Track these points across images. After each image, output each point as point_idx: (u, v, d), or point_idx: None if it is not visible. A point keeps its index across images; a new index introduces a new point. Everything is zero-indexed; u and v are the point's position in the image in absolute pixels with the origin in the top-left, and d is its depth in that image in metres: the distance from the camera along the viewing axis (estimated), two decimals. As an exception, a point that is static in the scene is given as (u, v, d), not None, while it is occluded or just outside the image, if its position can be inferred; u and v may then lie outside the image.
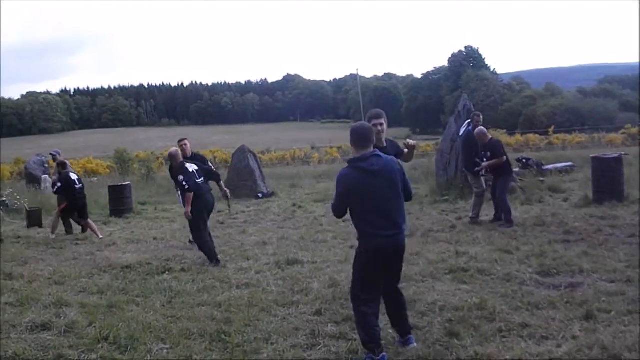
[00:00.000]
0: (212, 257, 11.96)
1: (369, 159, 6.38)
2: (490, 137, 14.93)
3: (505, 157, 14.51)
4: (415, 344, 6.83)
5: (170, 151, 13.26)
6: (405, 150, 8.57)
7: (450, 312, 7.88)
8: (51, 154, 19.57)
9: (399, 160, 7.43)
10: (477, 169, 14.82)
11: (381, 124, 7.98)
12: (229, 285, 10.10)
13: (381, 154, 6.48)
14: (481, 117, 15.64)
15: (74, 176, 17.02)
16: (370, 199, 6.36)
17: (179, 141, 14.34)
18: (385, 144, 8.13)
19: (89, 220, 16.84)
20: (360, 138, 6.52)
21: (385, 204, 6.39)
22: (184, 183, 12.07)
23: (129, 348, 7.12)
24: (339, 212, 6.65)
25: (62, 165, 16.98)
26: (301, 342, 7.19)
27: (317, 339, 7.22)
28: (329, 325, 7.72)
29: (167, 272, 11.26)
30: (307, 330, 7.56)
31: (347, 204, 6.50)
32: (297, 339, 7.31)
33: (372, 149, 6.50)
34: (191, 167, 12.54)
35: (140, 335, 7.49)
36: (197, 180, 12.33)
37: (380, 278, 6.63)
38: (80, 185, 16.99)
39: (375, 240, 6.39)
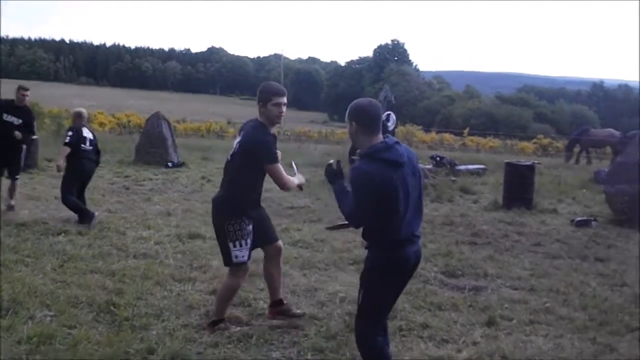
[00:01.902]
0: (86, 216, 11.58)
1: (393, 148, 5.08)
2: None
3: None
4: None
5: (78, 110, 12.89)
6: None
7: (350, 305, 7.62)
8: None
9: None
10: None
11: (285, 104, 6.65)
12: (126, 254, 9.68)
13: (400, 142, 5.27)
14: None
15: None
16: (399, 199, 5.02)
17: (22, 89, 13.23)
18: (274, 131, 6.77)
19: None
20: (373, 119, 5.17)
21: (414, 204, 5.19)
22: (67, 137, 11.90)
23: (9, 312, 6.68)
24: (363, 219, 5.13)
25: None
26: (194, 321, 6.90)
27: (210, 320, 6.89)
28: (225, 306, 7.43)
29: (63, 234, 10.71)
30: (202, 309, 7.27)
31: (371, 207, 5.01)
32: (190, 317, 7.01)
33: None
34: (88, 133, 12.30)
35: (24, 298, 7.06)
36: (83, 146, 12.06)
37: (395, 299, 5.57)
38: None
39: (403, 249, 5.16)
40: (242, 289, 8.06)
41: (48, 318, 6.63)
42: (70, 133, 12.06)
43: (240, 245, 6.60)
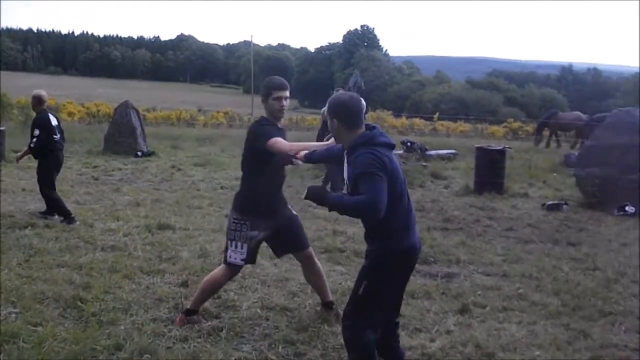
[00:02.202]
0: (65, 213, 11.19)
1: (383, 132, 5.05)
2: None
3: None
4: None
5: (37, 93, 11.75)
6: None
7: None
8: None
9: None
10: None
11: (286, 98, 6.42)
12: (94, 246, 9.49)
13: None
14: (341, 91, 15.70)
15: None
16: (399, 182, 4.93)
17: None
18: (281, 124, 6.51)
19: None
20: (355, 114, 5.03)
21: (406, 190, 5.10)
22: (34, 139, 11.19)
23: (-28, 311, 6.48)
24: (383, 206, 4.67)
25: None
26: (163, 315, 6.74)
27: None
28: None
29: (29, 227, 10.49)
30: (171, 302, 7.11)
31: (386, 193, 4.70)
32: (159, 311, 6.85)
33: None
34: (53, 120, 11.60)
35: (-12, 295, 6.89)
36: (55, 137, 11.44)
37: (401, 291, 5.42)
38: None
39: (411, 236, 5.04)
40: (213, 280, 7.98)
41: (13, 315, 6.46)
42: (37, 133, 11.18)
43: (236, 247, 6.43)
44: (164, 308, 6.95)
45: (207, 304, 6.98)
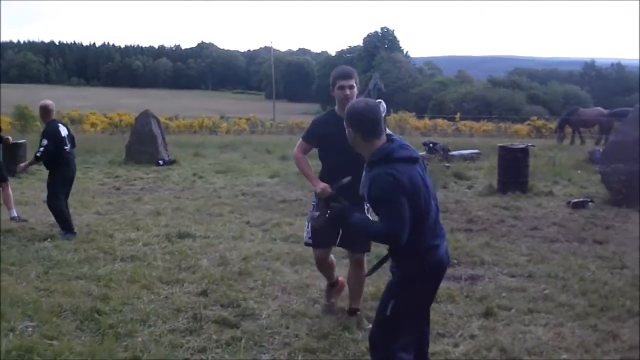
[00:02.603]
0: (67, 227, 10.93)
1: (405, 145, 4.70)
2: None
3: None
4: None
5: (44, 103, 11.64)
6: None
7: (343, 301, 7.39)
8: None
9: None
10: None
11: (350, 87, 6.35)
12: (113, 257, 9.42)
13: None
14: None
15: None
16: (424, 197, 4.59)
17: None
18: None
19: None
20: (371, 123, 4.68)
21: (435, 205, 4.76)
22: (41, 148, 10.98)
23: (-10, 325, 6.38)
24: (405, 228, 4.46)
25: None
26: (181, 326, 6.64)
27: (199, 324, 6.67)
28: (214, 308, 7.21)
29: (49, 239, 10.46)
30: (190, 312, 7.00)
31: (407, 213, 4.48)
32: (177, 322, 6.75)
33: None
34: (63, 130, 11.40)
35: (5, 310, 6.79)
36: (66, 147, 11.22)
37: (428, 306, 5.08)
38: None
39: (437, 253, 4.72)
40: (231, 288, 7.90)
41: (29, 329, 6.38)
42: (44, 142, 11.00)
43: (306, 226, 6.86)
44: (183, 318, 6.85)
45: (225, 313, 6.89)
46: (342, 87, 6.33)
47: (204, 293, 7.69)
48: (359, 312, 6.83)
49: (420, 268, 4.70)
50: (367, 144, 4.68)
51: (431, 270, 4.74)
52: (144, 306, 7.17)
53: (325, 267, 7.05)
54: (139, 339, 6.20)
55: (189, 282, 8.19)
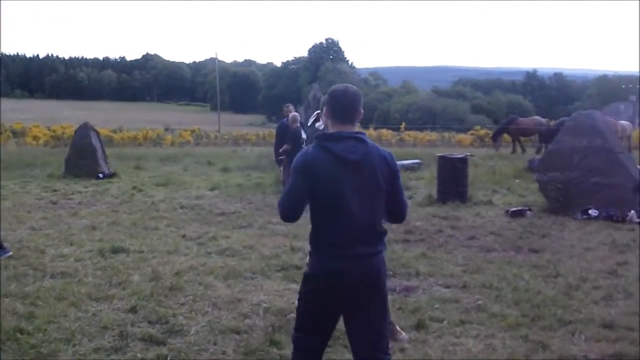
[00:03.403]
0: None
1: (345, 141, 4.44)
2: (297, 124, 16.17)
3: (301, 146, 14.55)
4: None
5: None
6: None
7: (274, 315, 7.33)
8: None
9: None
10: (279, 158, 15.94)
11: None
12: (43, 273, 9.18)
13: (367, 138, 4.56)
14: (290, 107, 17.15)
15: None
16: (336, 198, 4.40)
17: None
18: None
19: None
20: (340, 107, 4.57)
21: (357, 211, 4.43)
22: None
23: None
24: (289, 208, 4.52)
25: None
26: (107, 344, 6.47)
27: (125, 341, 6.51)
28: (142, 325, 7.04)
29: (-23, 258, 10.18)
30: (116, 330, 6.83)
31: (302, 199, 4.47)
32: (103, 340, 6.59)
33: (354, 128, 4.57)
34: None
35: None
36: None
37: (331, 321, 4.67)
38: None
39: (331, 262, 4.44)
40: (161, 304, 7.75)
41: (-52, 352, 6.18)
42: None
43: None
44: (109, 336, 6.68)
45: (153, 330, 6.76)
46: None
47: (132, 309, 7.53)
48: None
49: (312, 268, 4.61)
50: (332, 125, 4.58)
51: (321, 277, 4.48)
52: (69, 324, 6.98)
53: None
54: (62, 359, 6.02)
55: (118, 298, 8.02)
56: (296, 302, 4.83)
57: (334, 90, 4.68)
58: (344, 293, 4.48)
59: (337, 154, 4.41)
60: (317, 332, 4.66)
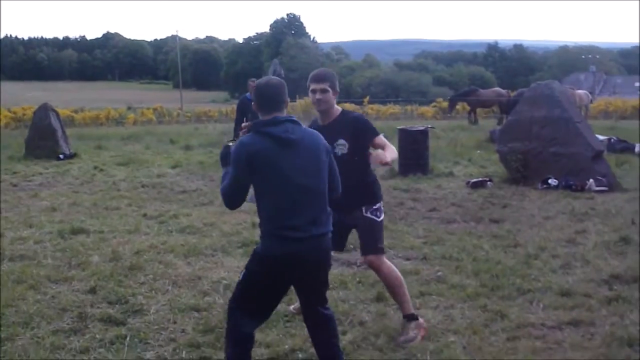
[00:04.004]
0: None
1: (283, 124, 4.60)
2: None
3: None
4: None
5: None
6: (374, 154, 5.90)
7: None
8: None
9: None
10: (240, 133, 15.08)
11: (322, 91, 5.89)
12: (1, 257, 9.06)
13: (299, 122, 4.74)
14: (255, 81, 15.90)
15: None
16: (281, 179, 4.54)
17: None
18: (331, 119, 6.07)
19: None
20: (266, 98, 4.73)
21: (303, 190, 4.58)
22: None
23: None
24: (232, 197, 4.72)
25: None
26: (65, 326, 6.40)
27: (84, 323, 6.44)
28: (101, 305, 6.97)
29: None
30: (75, 312, 6.75)
31: (245, 189, 4.66)
32: (62, 322, 6.51)
33: (284, 112, 4.71)
34: None
35: None
36: None
37: (277, 296, 4.86)
38: None
39: (282, 244, 4.55)
40: (120, 284, 7.72)
41: None
42: None
43: None
44: (68, 318, 6.62)
45: (112, 311, 6.72)
46: (313, 91, 5.93)
47: (92, 290, 7.45)
48: (405, 321, 6.20)
49: (262, 250, 4.68)
50: (261, 116, 4.72)
51: (272, 258, 4.61)
52: (28, 307, 6.89)
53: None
54: (19, 343, 5.95)
55: (77, 279, 7.94)
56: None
57: (257, 84, 4.84)
58: (297, 274, 4.69)
59: (279, 136, 4.56)
60: (257, 311, 4.83)
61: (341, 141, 5.98)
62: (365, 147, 6.06)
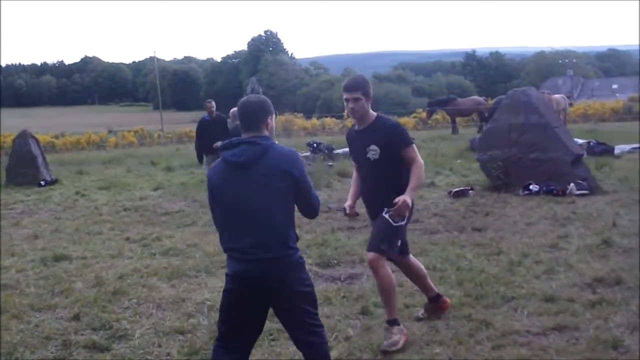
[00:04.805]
0: None
1: (237, 146, 4.57)
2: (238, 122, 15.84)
3: None
4: None
5: None
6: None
7: (217, 312, 7.30)
8: None
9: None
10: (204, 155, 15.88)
11: (355, 100, 6.05)
12: (-17, 288, 9.04)
13: (265, 141, 4.60)
14: (212, 102, 16.49)
15: None
16: (226, 202, 4.61)
17: None
18: (365, 125, 6.24)
19: None
20: (242, 117, 4.75)
21: (247, 214, 4.53)
22: None
23: None
24: (216, 224, 4.83)
25: None
26: (50, 354, 6.37)
27: (68, 350, 6.41)
28: (85, 332, 6.94)
29: None
30: (59, 339, 6.72)
31: (214, 209, 4.76)
32: (46, 350, 6.48)
33: (260, 132, 4.65)
34: None
35: None
36: None
37: (243, 318, 4.67)
38: None
39: (233, 263, 4.59)
40: (104, 309, 7.67)
41: None
42: None
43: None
44: (52, 346, 6.58)
45: (96, 337, 6.68)
46: (346, 100, 6.12)
47: (76, 317, 7.42)
48: (387, 325, 6.28)
49: (227, 269, 4.72)
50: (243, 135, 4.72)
51: (231, 278, 4.65)
52: (11, 337, 6.84)
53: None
54: (3, 373, 5.94)
55: (61, 307, 7.89)
56: None
57: (238, 104, 4.85)
58: (253, 295, 4.60)
59: (228, 160, 4.61)
60: (235, 333, 4.75)
61: (373, 147, 6.16)
62: (397, 155, 6.17)
